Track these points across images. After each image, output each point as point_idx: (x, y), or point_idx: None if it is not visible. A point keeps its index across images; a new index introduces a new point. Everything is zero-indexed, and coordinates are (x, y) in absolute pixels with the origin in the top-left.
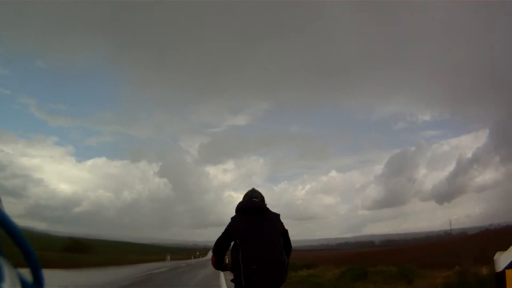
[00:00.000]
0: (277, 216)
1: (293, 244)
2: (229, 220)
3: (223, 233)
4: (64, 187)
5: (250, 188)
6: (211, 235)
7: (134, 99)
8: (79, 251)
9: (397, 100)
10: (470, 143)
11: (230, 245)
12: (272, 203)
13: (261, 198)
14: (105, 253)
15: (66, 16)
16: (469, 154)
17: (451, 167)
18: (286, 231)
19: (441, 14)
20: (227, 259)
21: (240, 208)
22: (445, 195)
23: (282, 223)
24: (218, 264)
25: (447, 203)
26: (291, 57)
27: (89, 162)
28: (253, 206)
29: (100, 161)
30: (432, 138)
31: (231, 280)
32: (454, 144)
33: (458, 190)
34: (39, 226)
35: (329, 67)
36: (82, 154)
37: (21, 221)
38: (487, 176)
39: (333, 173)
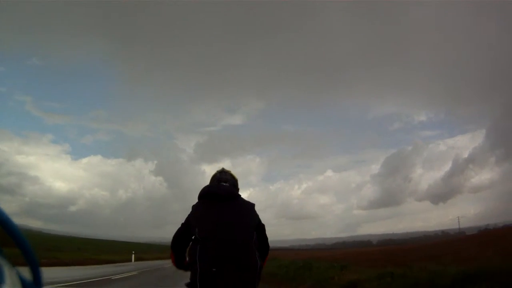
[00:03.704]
0: (251, 206)
1: (288, 244)
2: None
3: (183, 224)
4: (59, 185)
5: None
6: None
7: (129, 97)
8: None
9: (393, 100)
10: (466, 143)
11: (191, 239)
12: (268, 202)
13: (233, 182)
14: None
15: (61, 14)
16: (465, 154)
17: (447, 167)
18: (263, 225)
19: (438, 13)
20: None
21: (203, 193)
22: (441, 195)
23: (257, 215)
24: (179, 262)
25: (442, 203)
26: (285, 56)
27: (85, 160)
28: (219, 192)
29: (95, 159)
30: (429, 138)
31: (186, 284)
32: (450, 144)
33: (453, 190)
34: (34, 224)
35: (324, 66)
36: (77, 152)
37: (16, 219)
38: (483, 176)
39: (329, 172)
